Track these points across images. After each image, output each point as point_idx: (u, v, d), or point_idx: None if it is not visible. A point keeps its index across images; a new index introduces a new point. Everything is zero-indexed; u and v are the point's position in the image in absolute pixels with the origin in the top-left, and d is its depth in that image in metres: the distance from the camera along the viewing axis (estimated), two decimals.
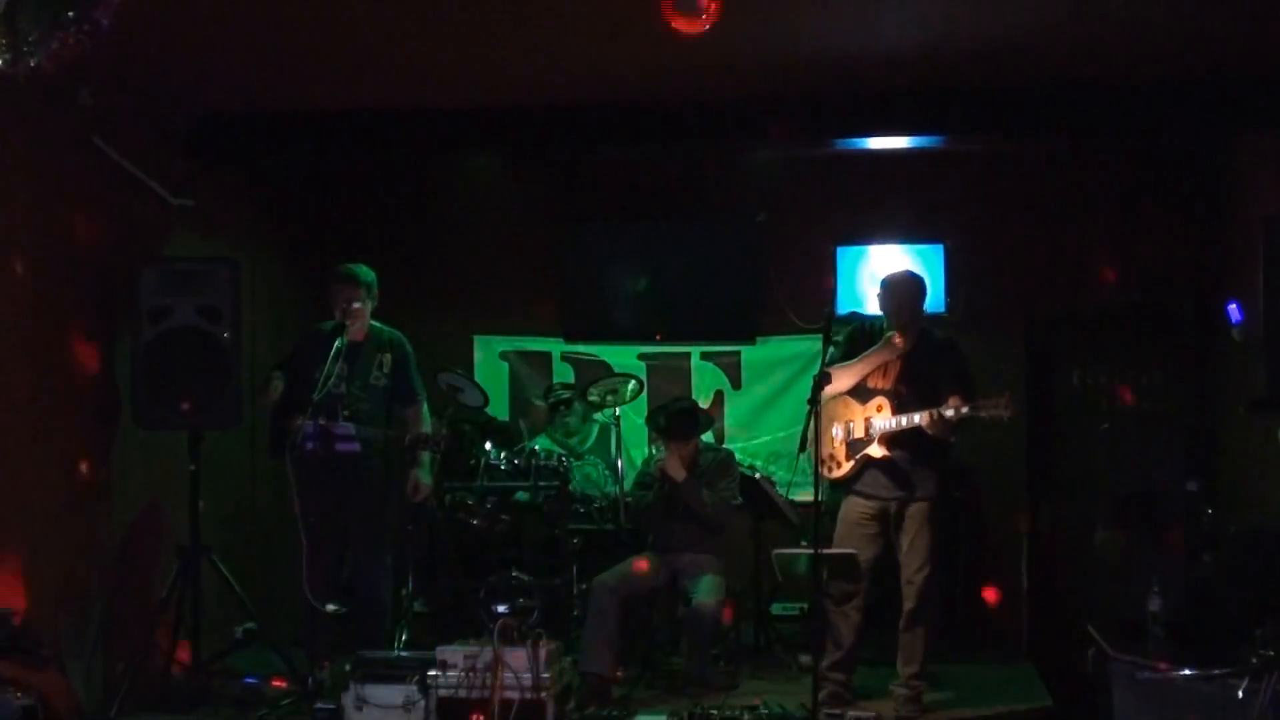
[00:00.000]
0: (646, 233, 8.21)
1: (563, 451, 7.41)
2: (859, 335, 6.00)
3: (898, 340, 5.79)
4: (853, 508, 5.88)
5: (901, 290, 5.87)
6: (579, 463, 7.45)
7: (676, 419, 6.64)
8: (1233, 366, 6.88)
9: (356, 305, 6.32)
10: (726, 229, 8.08)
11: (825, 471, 5.96)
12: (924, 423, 5.61)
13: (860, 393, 5.88)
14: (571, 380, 8.02)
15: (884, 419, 5.75)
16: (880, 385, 5.83)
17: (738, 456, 7.86)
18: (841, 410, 5.90)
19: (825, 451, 5.97)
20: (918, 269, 6.40)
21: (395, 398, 6.49)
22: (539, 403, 7.98)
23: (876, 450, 5.78)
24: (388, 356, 6.44)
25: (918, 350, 5.82)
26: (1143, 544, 5.73)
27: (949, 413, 5.54)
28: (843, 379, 5.86)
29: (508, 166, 8.00)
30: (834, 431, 5.90)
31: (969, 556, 7.29)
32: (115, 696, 5.68)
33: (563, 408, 7.59)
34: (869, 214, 7.75)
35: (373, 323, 6.45)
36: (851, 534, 5.84)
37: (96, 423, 6.17)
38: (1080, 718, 5.88)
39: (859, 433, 5.82)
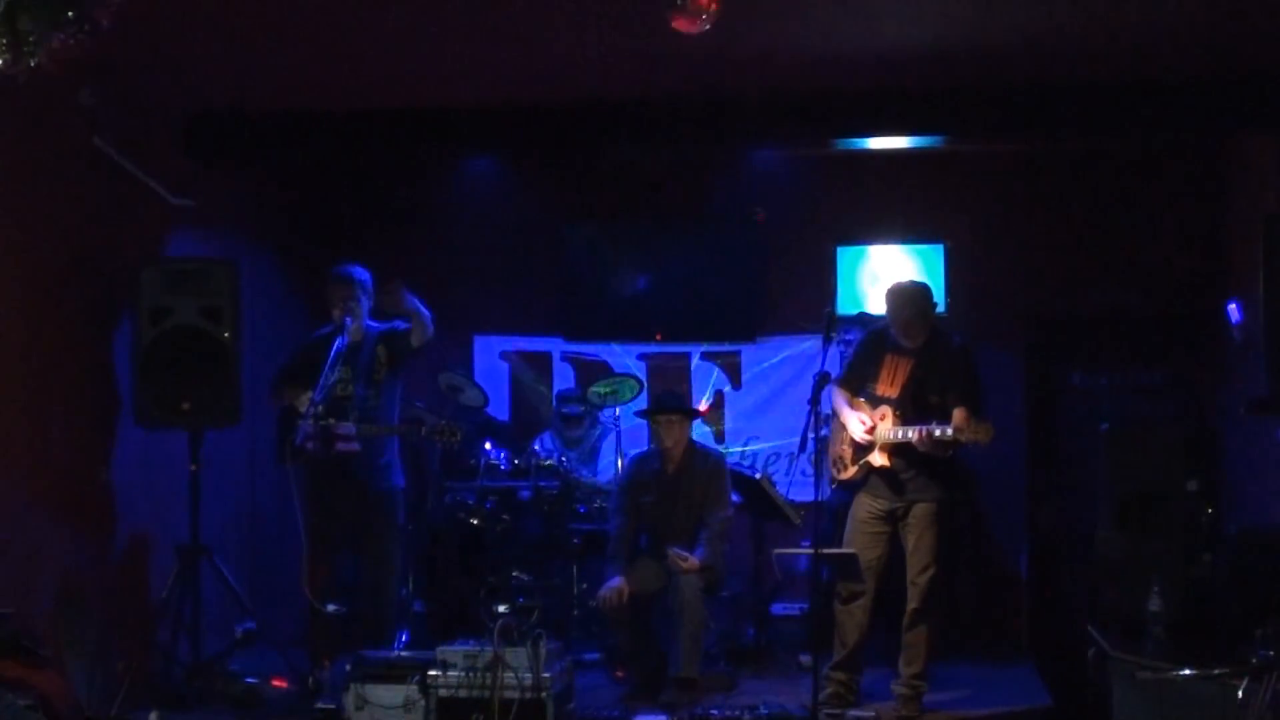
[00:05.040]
0: (646, 233, 8.22)
1: (562, 452, 7.42)
2: (866, 344, 6.01)
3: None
4: (862, 506, 5.90)
5: (903, 301, 5.87)
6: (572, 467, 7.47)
7: (665, 397, 6.80)
8: (1233, 366, 6.88)
9: (354, 305, 6.33)
10: (726, 229, 8.08)
11: (835, 472, 5.98)
12: (915, 439, 5.63)
13: (870, 398, 5.89)
14: (573, 384, 8.02)
15: (886, 428, 5.76)
16: (888, 393, 5.84)
17: (738, 456, 7.90)
18: (858, 411, 5.91)
19: (835, 451, 5.98)
20: (918, 275, 6.40)
21: (402, 353, 6.44)
22: (545, 400, 7.99)
23: (878, 458, 5.78)
24: (382, 348, 6.44)
25: (928, 356, 5.82)
26: (1143, 544, 5.73)
27: (938, 432, 5.57)
28: (837, 401, 5.96)
29: (507, 166, 8.00)
30: (848, 425, 5.90)
31: (969, 556, 7.29)
32: (115, 696, 5.68)
33: (572, 420, 7.59)
34: (869, 214, 7.75)
35: (368, 322, 6.46)
36: (860, 532, 5.87)
37: (96, 423, 6.17)
38: (1080, 718, 5.88)
39: (871, 435, 5.83)
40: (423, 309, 6.35)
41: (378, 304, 6.44)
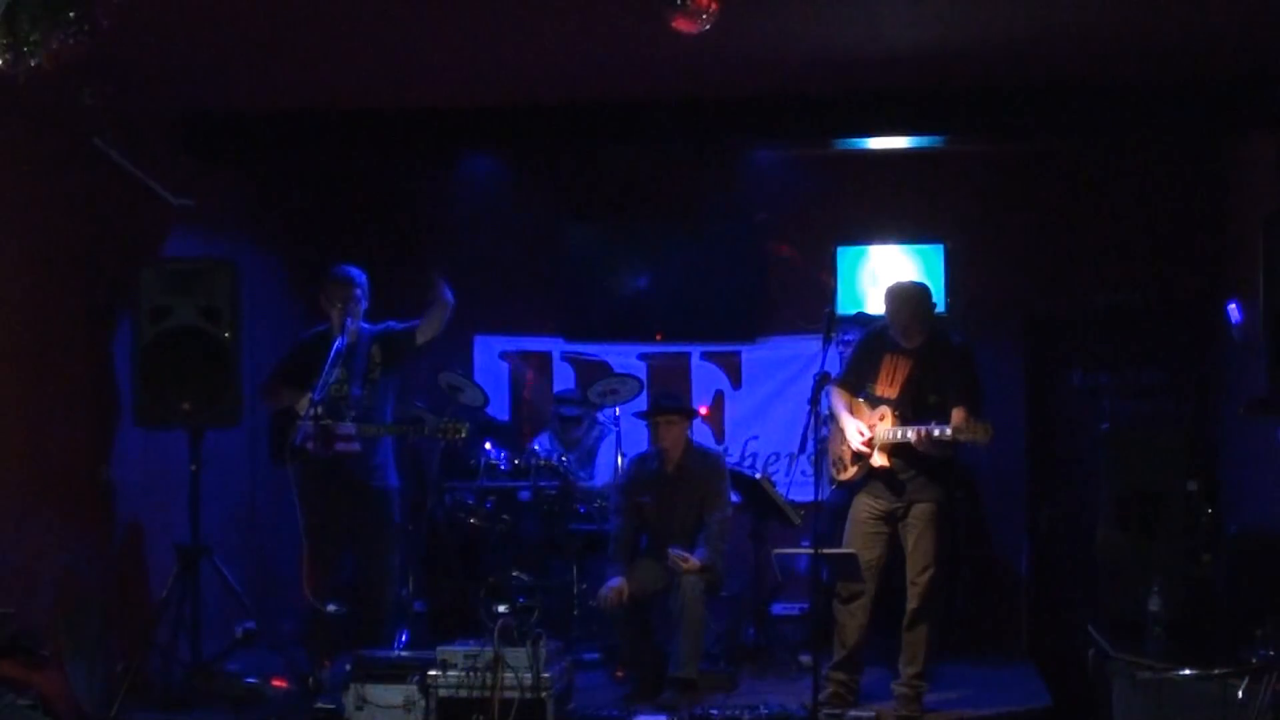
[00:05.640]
0: (646, 233, 8.21)
1: (561, 453, 7.43)
2: (865, 344, 6.02)
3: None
4: (861, 507, 5.90)
5: (902, 301, 5.87)
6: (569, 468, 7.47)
7: (662, 398, 6.77)
8: (1233, 366, 6.88)
9: (354, 305, 6.36)
10: (726, 229, 8.08)
11: (835, 472, 5.99)
12: (914, 439, 5.64)
13: (869, 399, 5.89)
14: (573, 384, 8.02)
15: (885, 429, 5.76)
16: (887, 394, 5.84)
17: (738, 456, 7.90)
18: (855, 413, 5.91)
19: (834, 452, 5.99)
20: (918, 275, 6.39)
21: (401, 353, 6.51)
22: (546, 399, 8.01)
23: (878, 459, 5.78)
24: (377, 348, 6.46)
25: (928, 356, 5.82)
26: (1143, 544, 5.73)
27: (936, 432, 5.57)
28: (836, 403, 5.96)
29: (507, 166, 8.00)
30: (846, 433, 5.90)
31: (969, 556, 7.29)
32: (115, 696, 5.68)
33: (570, 421, 7.59)
34: (869, 214, 7.74)
35: (360, 323, 6.48)
36: (859, 533, 5.87)
37: (96, 423, 6.17)
38: (1080, 718, 5.88)
39: (869, 445, 5.82)
40: (450, 304, 6.48)
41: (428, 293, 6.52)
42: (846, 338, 7.02)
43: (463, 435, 6.38)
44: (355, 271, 6.49)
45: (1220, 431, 6.96)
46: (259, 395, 6.53)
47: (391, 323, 6.56)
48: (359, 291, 6.43)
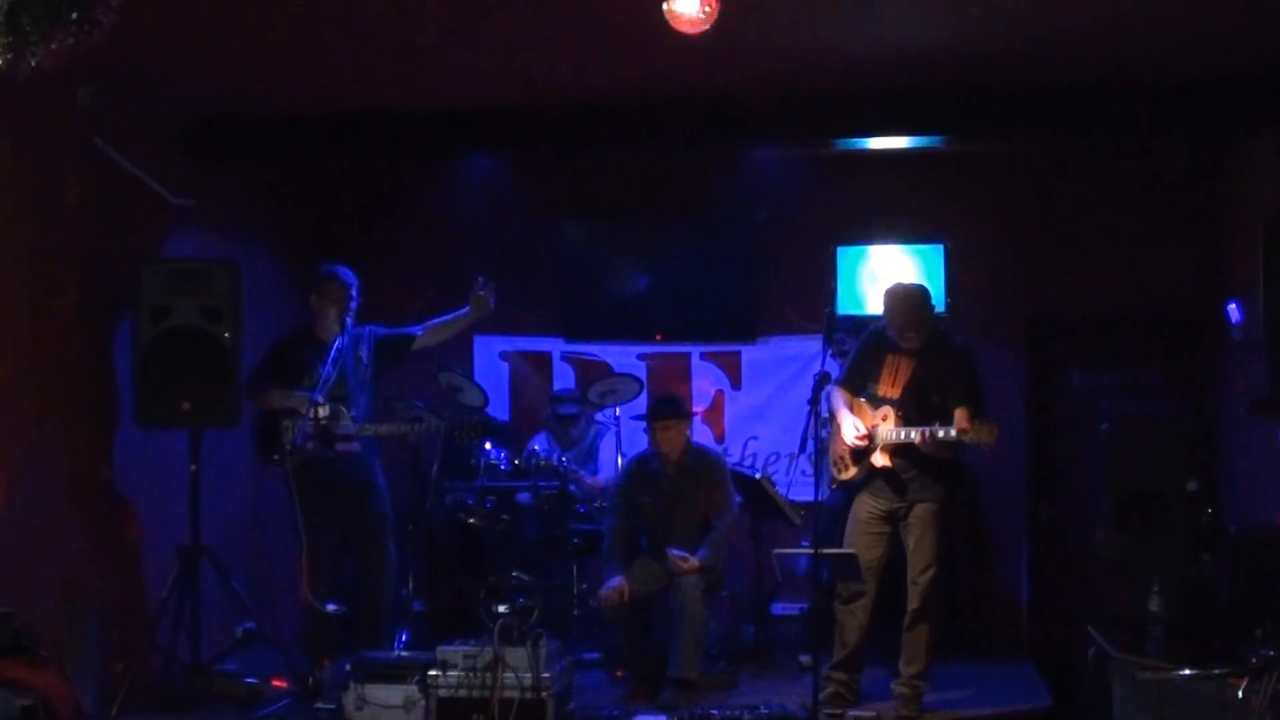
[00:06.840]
0: (646, 233, 8.21)
1: (560, 452, 7.43)
2: (867, 345, 6.01)
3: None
4: (862, 507, 5.90)
5: (899, 303, 5.87)
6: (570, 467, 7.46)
7: (659, 404, 6.71)
8: (1233, 366, 6.88)
9: (351, 305, 6.42)
10: (726, 229, 8.08)
11: (835, 472, 5.99)
12: (917, 440, 5.63)
13: (872, 399, 5.89)
14: (573, 384, 8.02)
15: (888, 429, 5.76)
16: (889, 394, 5.83)
17: (738, 456, 7.90)
18: (856, 413, 5.91)
19: (836, 451, 5.98)
20: (918, 275, 6.36)
21: (393, 356, 6.59)
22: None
23: (879, 459, 5.78)
24: (364, 349, 6.50)
25: (930, 357, 5.81)
26: (1143, 544, 5.74)
27: (941, 433, 5.56)
28: (836, 402, 5.95)
29: (507, 167, 8.00)
30: (841, 429, 5.90)
31: (969, 557, 7.29)
32: (115, 696, 5.68)
33: (568, 420, 7.59)
34: (869, 214, 7.73)
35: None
36: (861, 532, 5.86)
37: (96, 423, 6.17)
38: (1080, 718, 5.88)
39: (864, 440, 5.82)
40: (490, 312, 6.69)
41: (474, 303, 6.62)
42: (844, 349, 7.01)
43: (479, 433, 6.41)
44: (349, 272, 6.56)
45: (1220, 431, 6.96)
46: (244, 396, 6.52)
47: (375, 326, 6.58)
48: (354, 291, 6.48)
